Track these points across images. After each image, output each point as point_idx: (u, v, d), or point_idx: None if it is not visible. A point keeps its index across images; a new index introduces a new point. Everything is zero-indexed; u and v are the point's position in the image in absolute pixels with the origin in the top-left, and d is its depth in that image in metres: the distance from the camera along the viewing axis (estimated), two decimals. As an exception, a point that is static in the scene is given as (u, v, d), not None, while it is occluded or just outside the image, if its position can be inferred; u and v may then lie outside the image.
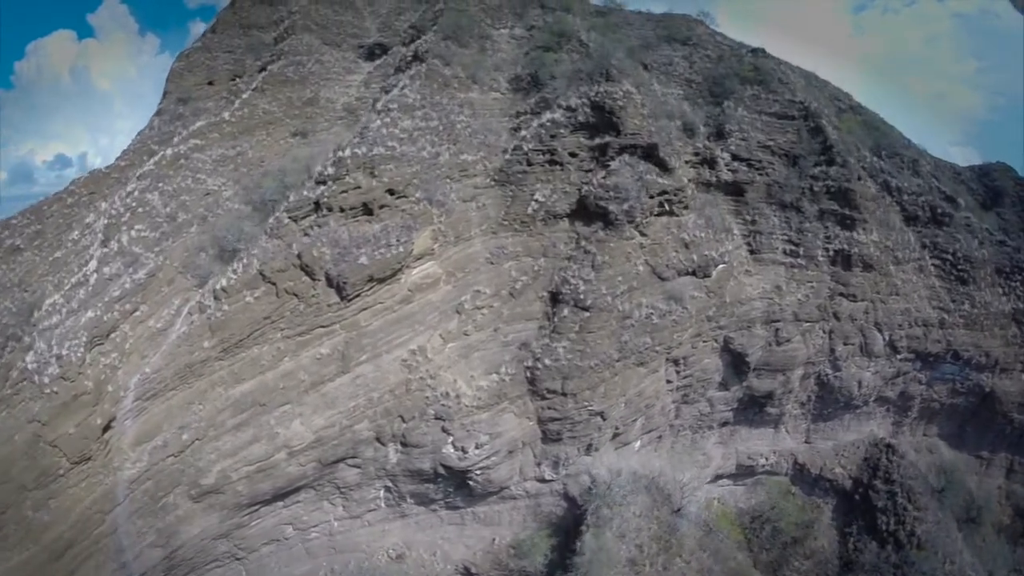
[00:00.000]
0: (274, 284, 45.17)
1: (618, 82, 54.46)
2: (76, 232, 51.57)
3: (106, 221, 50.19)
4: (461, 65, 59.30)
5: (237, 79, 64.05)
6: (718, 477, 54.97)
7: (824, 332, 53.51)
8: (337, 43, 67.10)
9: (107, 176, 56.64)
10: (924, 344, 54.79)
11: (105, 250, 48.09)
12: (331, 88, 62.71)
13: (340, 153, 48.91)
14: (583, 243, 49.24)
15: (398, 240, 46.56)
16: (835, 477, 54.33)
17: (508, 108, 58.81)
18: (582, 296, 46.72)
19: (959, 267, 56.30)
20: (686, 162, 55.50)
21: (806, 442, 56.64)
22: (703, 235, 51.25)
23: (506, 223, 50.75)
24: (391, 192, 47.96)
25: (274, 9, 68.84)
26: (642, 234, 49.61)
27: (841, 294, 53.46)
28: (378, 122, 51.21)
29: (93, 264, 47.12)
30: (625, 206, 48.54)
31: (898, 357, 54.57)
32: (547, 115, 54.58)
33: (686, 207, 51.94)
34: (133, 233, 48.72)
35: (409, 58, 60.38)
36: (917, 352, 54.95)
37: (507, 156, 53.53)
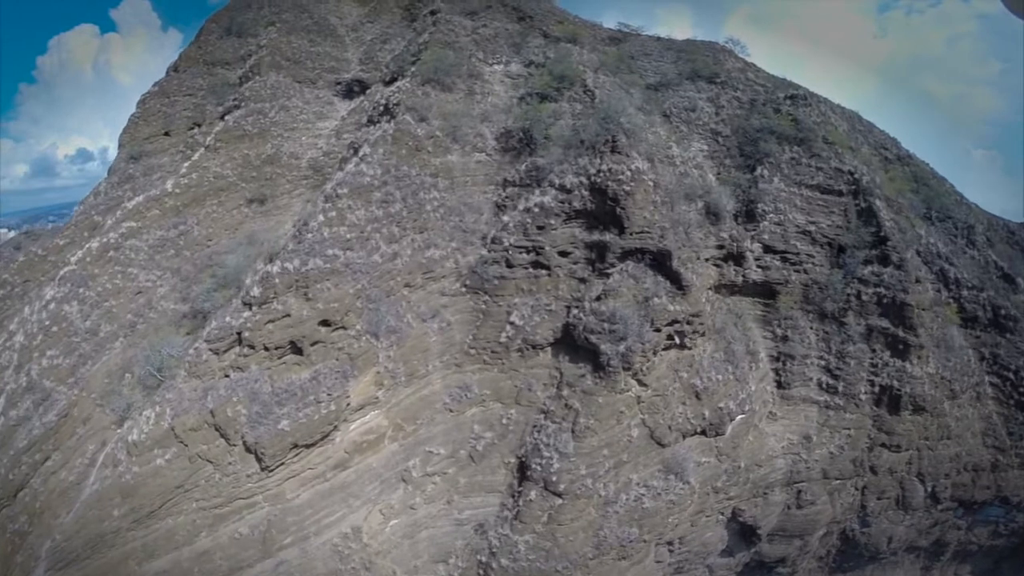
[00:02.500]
0: (186, 445, 30.43)
1: (626, 155, 35.73)
2: (2, 338, 37.52)
3: (22, 339, 35.79)
4: (441, 116, 40.95)
5: (196, 128, 46.75)
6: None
7: (856, 489, 36.17)
8: (312, 80, 48.49)
9: (43, 260, 41.52)
10: (971, 492, 37.40)
11: (14, 385, 34.22)
12: (296, 140, 44.99)
13: (268, 268, 32.41)
14: (564, 392, 32.19)
15: (329, 394, 30.73)
16: (856, 640, 38.34)
17: (494, 174, 40.67)
18: (554, 477, 30.37)
19: (1021, 389, 37.84)
20: (707, 259, 36.95)
21: (824, 594, 40.39)
22: (720, 377, 33.46)
23: (473, 352, 33.92)
24: (326, 323, 31.72)
25: (242, 42, 49.98)
26: (641, 383, 32.24)
27: (883, 444, 35.81)
28: (321, 217, 34.18)
29: (1, 402, 33.66)
30: (621, 347, 31.10)
31: (939, 507, 37.31)
32: (536, 196, 36.59)
33: (702, 335, 33.82)
34: (44, 362, 35.25)
35: (381, 109, 41.92)
36: (961, 500, 37.50)
37: (484, 251, 35.98)
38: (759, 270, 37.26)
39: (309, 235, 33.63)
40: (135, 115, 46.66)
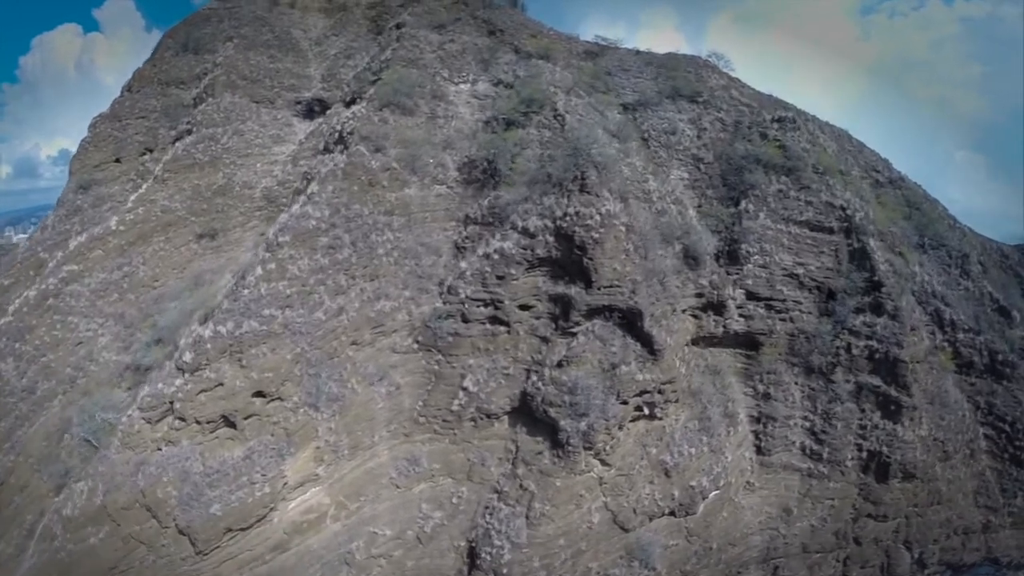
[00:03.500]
0: (119, 525, 27.25)
1: (596, 195, 31.45)
2: (-64, 396, 34.43)
3: (-45, 399, 32.55)
4: (400, 144, 36.60)
5: (148, 153, 42.65)
6: None
7: (838, 560, 32.34)
8: (270, 99, 43.92)
9: (-14, 303, 37.80)
10: (960, 555, 33.82)
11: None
12: (251, 168, 40.83)
13: (200, 331, 28.60)
14: (520, 471, 28.47)
15: (264, 475, 27.32)
16: None
17: (455, 209, 36.36)
18: (505, 569, 26.88)
19: (1016, 442, 33.85)
20: (684, 311, 32.62)
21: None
22: (693, 450, 29.56)
23: (423, 421, 30.19)
24: (261, 394, 27.96)
25: (199, 59, 45.21)
26: (603, 463, 28.44)
27: (869, 514, 31.89)
28: (259, 270, 30.24)
29: (-66, 473, 31.05)
30: (582, 424, 27.26)
31: (925, 572, 33.37)
32: (496, 241, 32.42)
33: (675, 402, 29.72)
34: (-21, 426, 31.29)
35: (336, 136, 37.49)
36: (949, 564, 33.81)
37: (440, 301, 31.92)
38: (741, 320, 32.99)
39: (245, 291, 29.74)
40: (85, 140, 42.49)
